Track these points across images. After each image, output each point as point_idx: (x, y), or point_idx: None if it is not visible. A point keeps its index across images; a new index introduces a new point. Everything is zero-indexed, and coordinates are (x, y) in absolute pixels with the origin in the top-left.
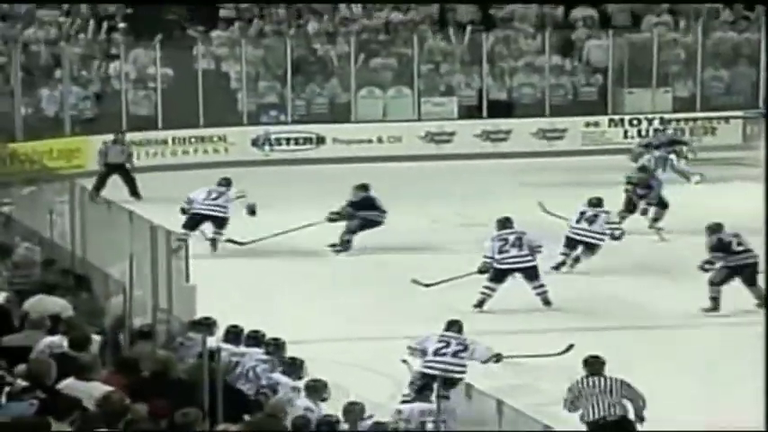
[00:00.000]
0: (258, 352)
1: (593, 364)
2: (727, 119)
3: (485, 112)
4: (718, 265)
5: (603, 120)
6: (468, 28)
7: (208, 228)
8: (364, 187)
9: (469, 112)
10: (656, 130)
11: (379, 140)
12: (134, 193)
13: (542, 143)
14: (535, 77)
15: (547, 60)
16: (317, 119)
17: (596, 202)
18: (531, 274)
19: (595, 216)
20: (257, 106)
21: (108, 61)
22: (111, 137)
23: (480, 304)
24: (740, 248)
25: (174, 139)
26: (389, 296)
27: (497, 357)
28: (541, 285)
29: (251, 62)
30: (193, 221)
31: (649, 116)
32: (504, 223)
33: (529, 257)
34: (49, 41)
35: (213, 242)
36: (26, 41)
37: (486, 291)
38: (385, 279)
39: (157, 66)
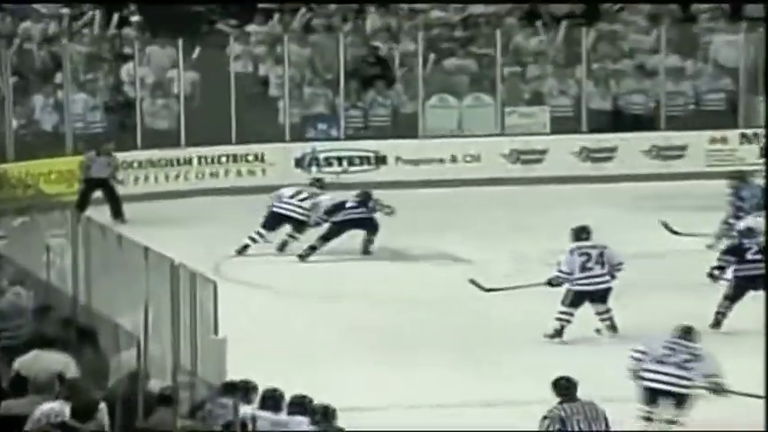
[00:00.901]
0: (303, 421)
1: (568, 388)
2: None
3: (584, 126)
4: (730, 273)
5: (733, 135)
6: (564, 22)
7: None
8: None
9: (565, 126)
10: None
11: (453, 160)
12: (117, 214)
13: (656, 163)
14: (647, 82)
15: (662, 61)
16: (377, 134)
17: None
18: (605, 297)
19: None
20: (302, 118)
21: (119, 63)
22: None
23: (559, 333)
24: (756, 257)
25: (200, 159)
26: (464, 351)
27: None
28: (608, 310)
29: (295, 64)
30: (272, 221)
31: None
32: (580, 234)
33: (608, 278)
34: (47, 38)
35: (283, 245)
36: (20, 38)
37: (563, 317)
38: (457, 329)
39: (180, 68)
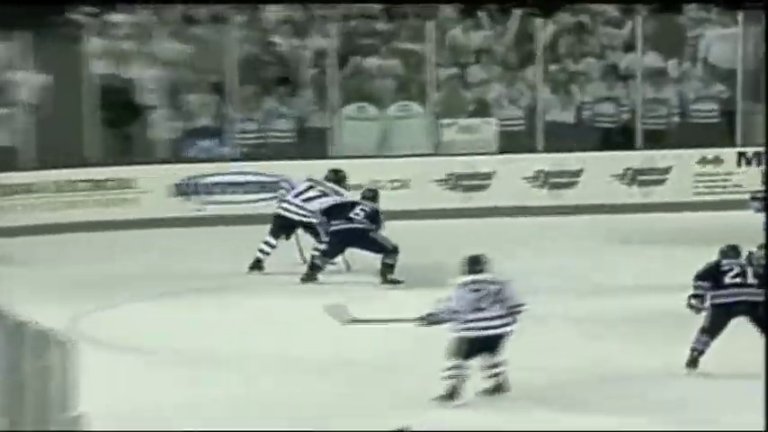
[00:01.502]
0: None
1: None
2: None
3: (540, 143)
4: (707, 301)
5: (729, 154)
6: (515, 13)
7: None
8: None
9: (516, 143)
10: None
11: (376, 185)
12: None
13: (632, 190)
14: (620, 88)
15: (638, 61)
16: (278, 153)
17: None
18: (497, 345)
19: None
20: (182, 133)
21: None
22: None
23: (452, 395)
24: (736, 280)
25: (48, 186)
26: None
27: None
28: (498, 364)
29: (172, 63)
30: (277, 225)
31: None
32: (474, 265)
33: (506, 322)
34: None
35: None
36: None
37: (455, 372)
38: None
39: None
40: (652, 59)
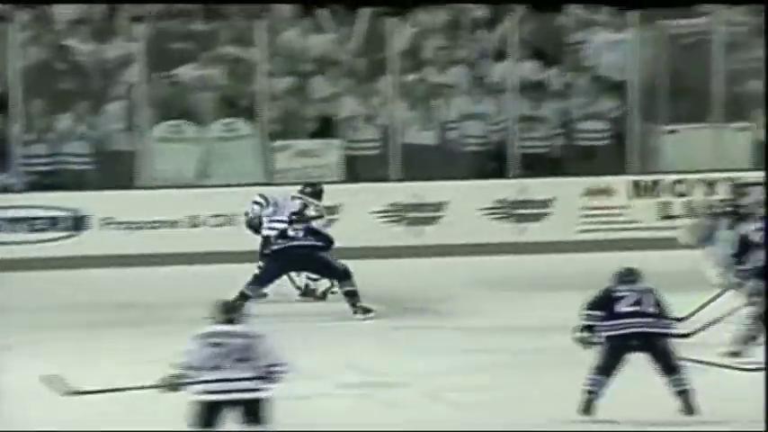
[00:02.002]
0: None
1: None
2: None
3: (395, 171)
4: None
5: (621, 184)
6: (366, 11)
7: None
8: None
9: (367, 170)
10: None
11: (193, 222)
12: None
13: (504, 227)
14: (491, 103)
15: (512, 70)
16: (75, 182)
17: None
18: (254, 411)
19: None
20: None
21: None
22: None
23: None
24: (631, 309)
25: None
26: None
27: None
28: None
29: None
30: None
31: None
32: (226, 312)
33: (257, 384)
34: None
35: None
36: None
37: None
38: None
39: None
40: (529, 69)
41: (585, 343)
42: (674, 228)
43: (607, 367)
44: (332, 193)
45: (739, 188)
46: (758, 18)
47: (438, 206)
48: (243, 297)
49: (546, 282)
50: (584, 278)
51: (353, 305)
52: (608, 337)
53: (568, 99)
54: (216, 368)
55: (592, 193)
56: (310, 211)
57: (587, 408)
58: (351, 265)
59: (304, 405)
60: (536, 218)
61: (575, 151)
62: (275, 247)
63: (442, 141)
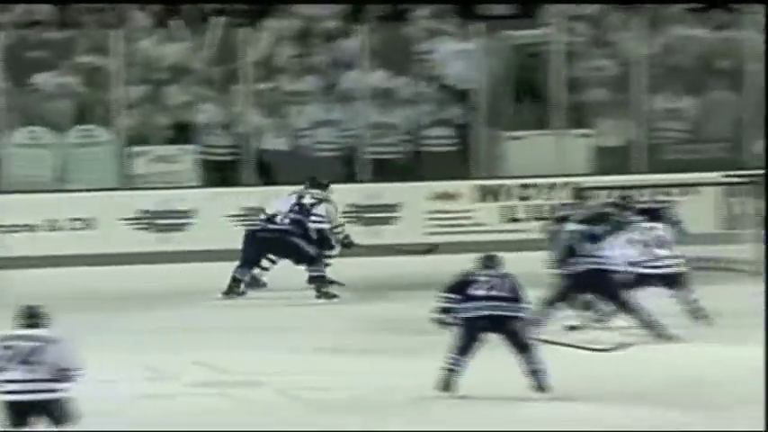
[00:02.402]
0: None
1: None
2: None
3: (250, 175)
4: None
5: (467, 188)
6: (219, 21)
7: None
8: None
9: (222, 175)
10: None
11: (52, 226)
12: None
13: (355, 230)
14: (341, 110)
15: (363, 79)
16: None
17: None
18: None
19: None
20: None
21: None
22: None
23: None
24: (485, 293)
25: None
26: None
27: None
28: None
29: None
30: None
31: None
32: (28, 318)
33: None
34: None
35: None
36: None
37: None
38: None
39: None
40: (379, 78)
41: (442, 324)
42: (516, 230)
43: (463, 347)
44: (188, 198)
45: (580, 192)
46: (596, 30)
47: None
48: (234, 281)
49: (396, 281)
50: (431, 278)
51: (318, 290)
52: (463, 319)
53: (416, 106)
54: (2, 370)
55: (439, 197)
56: (307, 200)
57: (446, 385)
58: (209, 267)
59: (154, 404)
60: (385, 221)
61: (422, 157)
62: (250, 229)
63: (295, 147)
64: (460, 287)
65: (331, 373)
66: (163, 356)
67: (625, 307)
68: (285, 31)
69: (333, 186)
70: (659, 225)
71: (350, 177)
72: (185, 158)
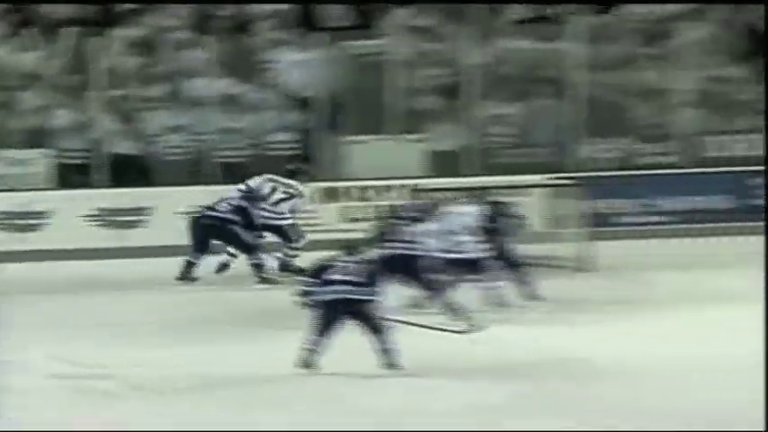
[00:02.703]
0: None
1: None
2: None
3: (102, 178)
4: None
5: (310, 189)
6: (70, 31)
7: None
8: None
9: (75, 178)
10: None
11: None
12: None
13: None
14: (186, 116)
15: (210, 86)
16: None
17: None
18: None
19: None
20: None
21: None
22: None
23: None
24: (340, 278)
25: None
26: None
27: None
28: None
29: None
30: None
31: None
32: None
33: None
34: None
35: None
36: None
37: None
38: None
39: None
40: (226, 85)
41: (304, 305)
42: (356, 230)
43: (322, 328)
44: (46, 200)
45: (415, 193)
46: (430, 41)
47: (143, 210)
48: (188, 265)
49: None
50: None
51: (258, 275)
52: (320, 302)
53: (261, 113)
54: None
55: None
56: (278, 194)
57: (306, 364)
58: (67, 266)
59: (13, 398)
60: None
61: (268, 160)
62: (193, 215)
63: (146, 151)
64: (320, 272)
65: (178, 364)
66: (18, 351)
67: (431, 290)
68: (134, 40)
69: (184, 189)
70: (469, 211)
71: (199, 180)
72: (40, 162)
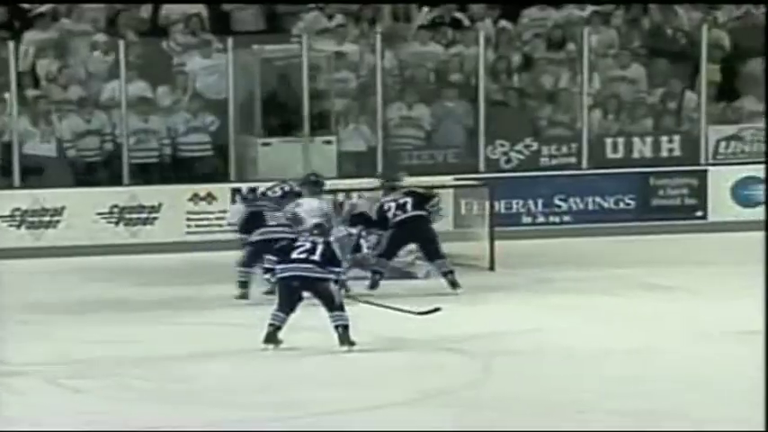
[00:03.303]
0: None
1: None
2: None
3: (17, 179)
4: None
5: (223, 191)
6: None
7: None
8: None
9: None
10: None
11: None
12: None
13: (117, 230)
14: (101, 118)
15: (122, 88)
16: None
17: None
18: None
19: None
20: None
21: None
22: None
23: None
24: (301, 256)
25: None
26: None
27: None
28: None
29: None
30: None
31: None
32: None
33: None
34: None
35: None
36: None
37: None
38: None
39: None
40: (140, 88)
41: (270, 283)
42: None
43: (282, 304)
44: None
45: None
46: (339, 45)
47: (57, 211)
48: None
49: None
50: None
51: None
52: (279, 279)
53: (174, 114)
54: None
55: (197, 199)
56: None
57: (270, 339)
58: None
59: None
60: (146, 221)
61: (181, 161)
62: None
63: (61, 153)
64: (285, 251)
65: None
66: None
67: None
68: (48, 43)
69: (96, 189)
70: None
71: (113, 181)
72: None
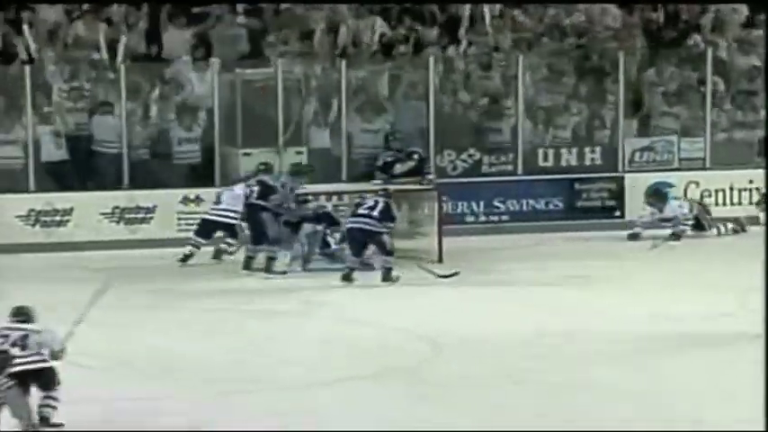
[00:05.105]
0: None
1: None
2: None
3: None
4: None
5: (209, 194)
6: None
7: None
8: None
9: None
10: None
11: None
12: None
13: (117, 228)
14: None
15: (122, 106)
16: None
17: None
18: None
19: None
20: None
21: None
22: None
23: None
24: (363, 212)
25: None
26: None
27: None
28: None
29: None
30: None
31: None
32: (16, 314)
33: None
34: None
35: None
36: None
37: None
38: None
39: None
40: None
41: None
42: None
43: (351, 249)
44: None
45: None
46: (307, 69)
47: (66, 211)
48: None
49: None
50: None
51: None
52: (347, 229)
53: (168, 126)
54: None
55: (187, 201)
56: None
57: (346, 277)
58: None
59: None
60: (143, 220)
61: (174, 167)
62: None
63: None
64: (356, 205)
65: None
66: None
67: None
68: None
69: (100, 193)
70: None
71: (115, 184)
72: None
